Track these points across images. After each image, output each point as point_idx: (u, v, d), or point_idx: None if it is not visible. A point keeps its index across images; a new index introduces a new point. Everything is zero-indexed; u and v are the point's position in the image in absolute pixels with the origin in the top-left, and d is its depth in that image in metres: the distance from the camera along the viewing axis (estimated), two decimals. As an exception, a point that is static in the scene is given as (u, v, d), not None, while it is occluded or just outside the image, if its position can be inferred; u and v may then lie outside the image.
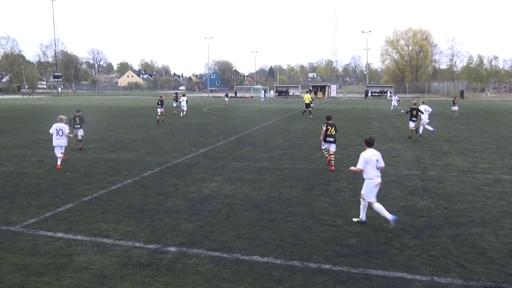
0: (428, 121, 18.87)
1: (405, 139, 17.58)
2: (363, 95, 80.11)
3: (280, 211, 7.75)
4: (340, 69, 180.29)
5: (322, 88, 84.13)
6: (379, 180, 6.95)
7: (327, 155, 11.78)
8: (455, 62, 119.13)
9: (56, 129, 11.72)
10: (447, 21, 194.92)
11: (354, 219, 7.18)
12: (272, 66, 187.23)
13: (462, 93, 72.31)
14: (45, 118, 29.10)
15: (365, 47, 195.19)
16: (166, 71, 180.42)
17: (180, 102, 31.52)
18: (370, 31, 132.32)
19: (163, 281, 5.00)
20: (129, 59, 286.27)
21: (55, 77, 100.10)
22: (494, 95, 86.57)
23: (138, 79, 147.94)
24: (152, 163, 12.37)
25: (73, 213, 7.62)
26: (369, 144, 7.20)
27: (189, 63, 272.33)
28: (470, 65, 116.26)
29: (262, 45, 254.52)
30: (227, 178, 10.43)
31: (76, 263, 5.51)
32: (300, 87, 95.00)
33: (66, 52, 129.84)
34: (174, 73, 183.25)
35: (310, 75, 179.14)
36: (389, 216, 6.71)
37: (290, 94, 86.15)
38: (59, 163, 11.68)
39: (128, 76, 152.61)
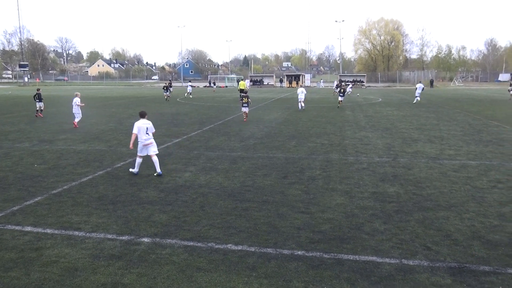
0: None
1: (377, 127, 17.95)
2: (334, 85, 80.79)
3: (254, 199, 7.80)
4: (314, 59, 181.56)
5: (296, 78, 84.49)
6: (148, 141, 9.47)
7: None
8: (425, 52, 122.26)
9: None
10: (417, 11, 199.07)
11: (131, 170, 9.76)
12: (247, 55, 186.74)
13: (431, 82, 74.25)
14: (11, 109, 28.02)
15: (338, 37, 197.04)
16: (138, 60, 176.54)
17: (187, 87, 43.79)
18: (343, 21, 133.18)
19: (136, 272, 4.96)
20: (100, 47, 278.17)
21: (21, 66, 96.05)
22: (461, 84, 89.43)
23: (109, 69, 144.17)
24: (125, 154, 12.15)
25: (42, 207, 7.42)
26: (141, 115, 9.65)
27: (162, 52, 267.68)
28: (439, 55, 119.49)
29: (236, 34, 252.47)
30: (201, 168, 10.38)
31: (45, 257, 5.39)
32: (274, 77, 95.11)
33: (32, 40, 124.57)
34: (147, 62, 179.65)
35: (285, 64, 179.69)
36: (158, 170, 9.46)
37: (264, 83, 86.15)
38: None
39: (98, 66, 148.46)
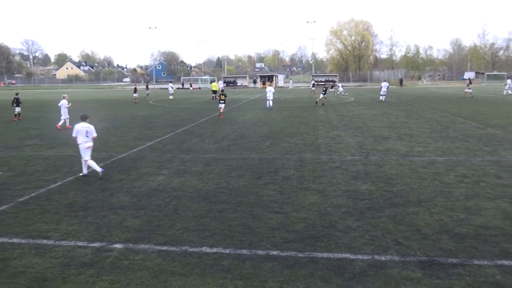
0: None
1: (350, 126, 18.26)
2: (310, 85, 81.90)
3: (228, 201, 7.78)
4: (287, 59, 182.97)
5: (270, 78, 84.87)
6: (88, 144, 9.63)
7: None
8: (394, 52, 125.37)
9: None
10: (386, 12, 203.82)
11: (81, 174, 9.85)
12: (220, 56, 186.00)
13: (401, 81, 76.19)
14: (-26, 115, 26.84)
15: (310, 37, 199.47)
16: (108, 62, 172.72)
17: (167, 89, 44.14)
18: (314, 21, 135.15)
19: (108, 279, 4.86)
20: (68, 50, 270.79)
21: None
22: (429, 82, 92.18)
23: (79, 71, 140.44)
24: (95, 158, 11.82)
25: (7, 215, 7.14)
26: (82, 119, 9.88)
27: (133, 54, 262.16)
28: (408, 55, 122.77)
29: (209, 35, 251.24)
30: (175, 171, 10.27)
31: (12, 267, 5.19)
32: (248, 77, 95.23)
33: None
34: (118, 65, 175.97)
35: (258, 65, 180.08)
36: (98, 169, 9.49)
37: (238, 84, 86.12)
38: None
39: (67, 68, 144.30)
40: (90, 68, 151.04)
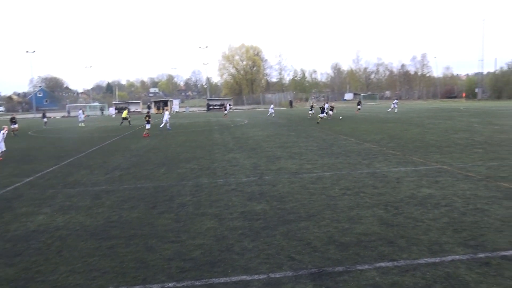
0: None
1: (244, 148, 18.77)
2: (205, 109, 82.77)
3: (120, 235, 7.32)
4: (182, 84, 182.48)
5: (165, 103, 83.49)
6: None
7: None
8: (284, 76, 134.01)
9: None
10: (274, 38, 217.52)
11: None
12: (110, 81, 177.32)
13: (291, 102, 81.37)
14: None
15: (204, 62, 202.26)
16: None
17: (78, 116, 45.17)
18: (207, 47, 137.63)
19: None
20: None
21: None
22: (316, 103, 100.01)
23: None
24: (-42, 201, 10.22)
25: None
26: None
27: (8, 80, 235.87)
28: (295, 78, 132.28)
29: (97, 60, 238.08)
30: (59, 207, 9.35)
31: None
32: (141, 103, 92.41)
33: None
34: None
35: (152, 90, 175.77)
36: None
37: (131, 110, 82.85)
38: None
39: None
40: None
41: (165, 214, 8.59)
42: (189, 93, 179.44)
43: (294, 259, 6.02)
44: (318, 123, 32.97)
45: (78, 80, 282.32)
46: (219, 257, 6.20)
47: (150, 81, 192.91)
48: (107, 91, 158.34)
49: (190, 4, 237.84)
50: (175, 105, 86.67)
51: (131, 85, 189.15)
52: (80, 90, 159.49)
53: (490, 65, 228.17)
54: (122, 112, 44.35)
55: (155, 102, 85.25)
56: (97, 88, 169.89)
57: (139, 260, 6.20)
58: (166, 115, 33.08)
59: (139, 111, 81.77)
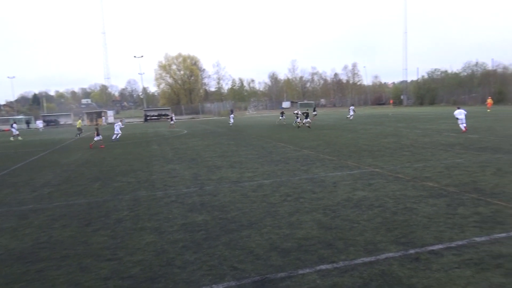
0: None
1: (184, 159, 18.45)
2: (143, 119, 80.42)
3: (50, 257, 6.81)
4: (117, 94, 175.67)
5: (99, 114, 79.87)
6: None
7: None
8: (222, 85, 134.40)
9: None
10: (211, 47, 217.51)
11: None
12: (37, 92, 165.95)
13: (231, 111, 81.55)
14: None
15: (139, 72, 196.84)
16: None
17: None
18: (142, 56, 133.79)
19: None
20: None
21: None
22: (255, 112, 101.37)
23: None
24: None
25: None
26: None
27: None
28: (234, 87, 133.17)
29: (21, 70, 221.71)
30: (-22, 231, 8.50)
31: None
32: (72, 115, 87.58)
33: None
34: None
35: (84, 101, 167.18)
36: None
37: (61, 123, 78.21)
38: None
39: None
40: None
41: (100, 231, 8.15)
42: (125, 103, 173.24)
43: (237, 269, 5.99)
44: (308, 127, 34.38)
45: (0, 92, 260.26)
46: (159, 272, 5.99)
47: (82, 91, 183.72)
48: (33, 103, 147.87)
49: (124, 12, 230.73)
50: (110, 116, 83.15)
51: (60, 96, 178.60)
52: (2, 102, 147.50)
53: (413, 74, 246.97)
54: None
55: (88, 113, 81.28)
56: (22, 100, 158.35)
57: (72, 282, 5.81)
58: (118, 126, 32.92)
59: (70, 123, 77.42)
